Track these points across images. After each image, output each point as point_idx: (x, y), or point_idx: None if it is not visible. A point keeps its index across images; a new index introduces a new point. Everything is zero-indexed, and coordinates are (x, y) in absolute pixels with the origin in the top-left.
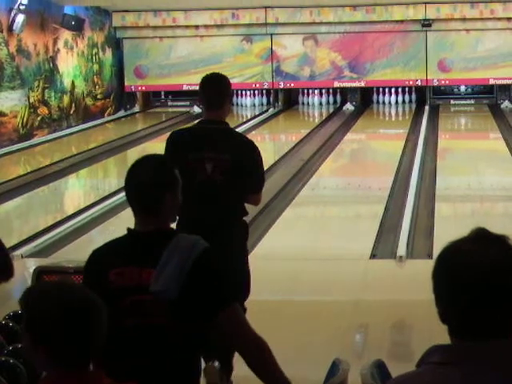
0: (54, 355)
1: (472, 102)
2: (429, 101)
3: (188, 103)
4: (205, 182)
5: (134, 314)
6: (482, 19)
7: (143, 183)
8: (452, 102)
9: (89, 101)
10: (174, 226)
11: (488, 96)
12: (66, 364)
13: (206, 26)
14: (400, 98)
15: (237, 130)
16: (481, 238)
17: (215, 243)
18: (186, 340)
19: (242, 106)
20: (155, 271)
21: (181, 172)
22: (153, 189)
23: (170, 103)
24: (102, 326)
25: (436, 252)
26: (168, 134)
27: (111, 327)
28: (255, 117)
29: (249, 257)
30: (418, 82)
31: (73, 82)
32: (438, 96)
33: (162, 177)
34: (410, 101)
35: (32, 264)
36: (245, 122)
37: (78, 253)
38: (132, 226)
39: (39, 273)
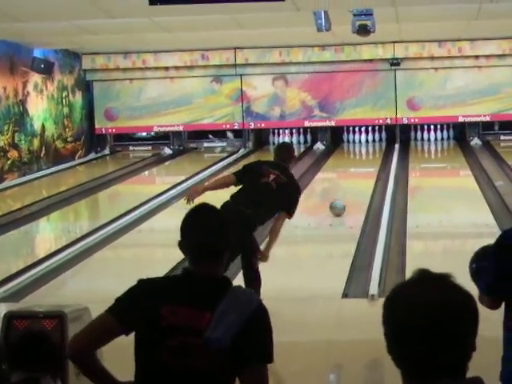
0: None
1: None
2: (398, 139)
3: (149, 148)
4: (265, 184)
5: (180, 354)
6: (449, 57)
7: (212, 234)
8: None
9: (59, 144)
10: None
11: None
12: None
13: (176, 68)
14: (370, 137)
15: (207, 170)
16: (423, 279)
17: (244, 223)
18: None
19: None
20: (211, 317)
21: (255, 173)
22: (220, 240)
23: (131, 148)
24: None
25: None
26: (139, 175)
27: (154, 363)
28: (226, 157)
29: None
30: (388, 121)
31: (43, 125)
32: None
33: (226, 232)
34: (380, 139)
35: (2, 309)
36: (216, 163)
37: (49, 296)
38: (104, 271)
39: (9, 318)
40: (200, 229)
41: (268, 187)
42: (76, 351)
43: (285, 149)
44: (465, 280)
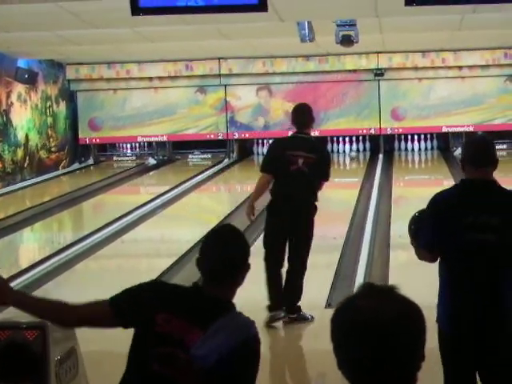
0: None
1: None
2: (383, 149)
3: (134, 157)
4: (296, 170)
5: (166, 364)
6: (433, 68)
7: (233, 258)
8: None
9: (43, 154)
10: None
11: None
12: None
13: (160, 78)
14: (354, 147)
15: (191, 180)
16: (370, 292)
17: (296, 209)
18: None
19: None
20: (202, 334)
21: (281, 162)
22: (237, 267)
23: (115, 158)
24: None
25: None
26: (123, 185)
27: (141, 366)
28: (210, 167)
29: None
30: (372, 131)
31: (27, 135)
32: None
33: (245, 254)
34: (364, 149)
35: None
36: (200, 173)
37: None
38: (87, 281)
39: None
40: (220, 252)
41: (300, 173)
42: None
43: (302, 113)
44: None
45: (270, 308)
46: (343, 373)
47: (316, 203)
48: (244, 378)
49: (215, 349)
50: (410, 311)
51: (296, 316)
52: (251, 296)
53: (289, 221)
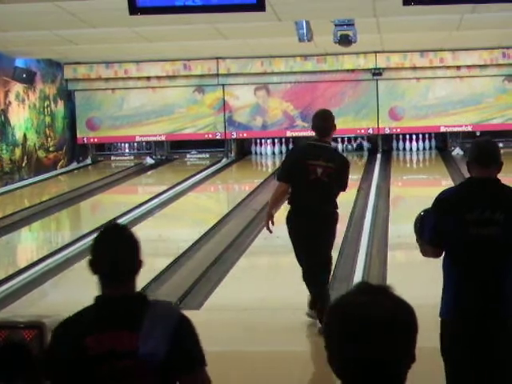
0: None
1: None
2: (381, 149)
3: (132, 157)
4: (315, 180)
5: (112, 379)
6: (431, 68)
7: (121, 257)
8: None
9: (41, 153)
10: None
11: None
12: None
13: (158, 77)
14: (352, 146)
15: (189, 180)
16: (365, 290)
17: (316, 221)
18: None
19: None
20: (138, 335)
21: (299, 171)
22: (130, 262)
23: (113, 158)
24: None
25: None
26: (121, 185)
27: None
28: (208, 167)
29: (202, 308)
30: (370, 131)
31: (25, 135)
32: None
33: (137, 251)
34: (362, 148)
35: None
36: (198, 173)
37: (30, 306)
38: (85, 281)
39: None
40: (111, 249)
41: (319, 183)
42: None
43: (323, 120)
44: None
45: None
46: (333, 369)
47: (337, 211)
48: (194, 355)
49: (160, 340)
50: (403, 311)
51: None
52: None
53: (310, 233)
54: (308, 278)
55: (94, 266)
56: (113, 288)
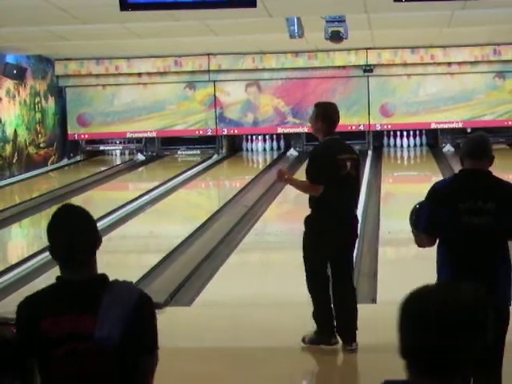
0: None
1: None
2: (372, 145)
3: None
4: (345, 175)
5: (69, 362)
6: (422, 64)
7: (77, 239)
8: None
9: (32, 149)
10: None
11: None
12: None
13: (149, 74)
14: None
15: (180, 176)
16: (443, 286)
17: (346, 218)
18: None
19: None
20: (96, 318)
21: (331, 168)
22: (88, 244)
23: (104, 152)
24: None
25: (380, 296)
26: (112, 181)
27: (44, 376)
28: (199, 163)
29: (193, 304)
30: (361, 127)
31: (15, 131)
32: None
33: (93, 230)
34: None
35: None
36: (189, 169)
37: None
38: None
39: None
40: (65, 232)
41: (350, 177)
42: None
43: (336, 112)
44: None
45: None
46: (406, 360)
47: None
48: (151, 338)
49: (114, 326)
50: (478, 309)
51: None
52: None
53: (339, 237)
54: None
55: (53, 252)
56: (72, 270)
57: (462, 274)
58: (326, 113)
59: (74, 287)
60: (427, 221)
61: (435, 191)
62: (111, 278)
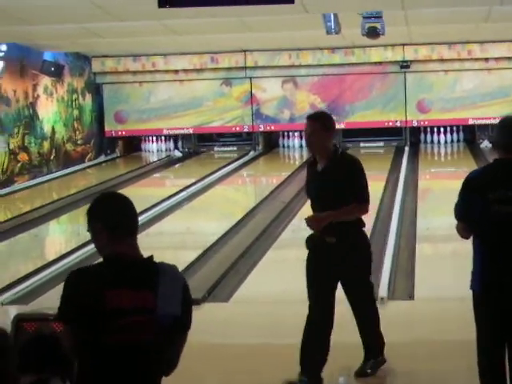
0: None
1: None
2: (408, 142)
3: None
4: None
5: (127, 332)
6: (459, 60)
7: (133, 213)
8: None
9: (69, 146)
10: None
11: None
12: None
13: (186, 71)
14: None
15: (217, 173)
16: None
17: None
18: (162, 356)
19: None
20: (155, 295)
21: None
22: (136, 215)
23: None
24: None
25: (417, 292)
26: (149, 178)
27: (95, 347)
28: (235, 160)
29: (230, 300)
30: (398, 123)
31: (53, 128)
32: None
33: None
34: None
35: (12, 311)
36: (226, 165)
37: (58, 299)
38: None
39: (18, 320)
40: (120, 210)
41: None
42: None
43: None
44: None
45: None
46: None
47: None
48: (190, 316)
49: (173, 303)
50: None
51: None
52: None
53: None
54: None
55: (101, 229)
56: (126, 244)
57: (493, 263)
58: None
59: (130, 263)
60: (461, 209)
61: (468, 180)
62: None
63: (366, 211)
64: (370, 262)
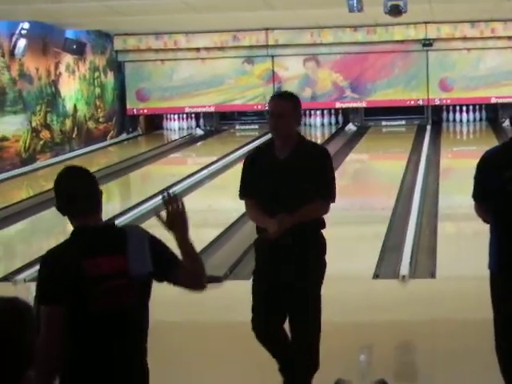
0: None
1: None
2: (431, 120)
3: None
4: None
5: (107, 297)
6: (482, 38)
7: (92, 189)
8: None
9: (91, 124)
10: None
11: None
12: None
13: (208, 49)
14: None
15: (238, 151)
16: None
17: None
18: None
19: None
20: (126, 257)
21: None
22: (98, 193)
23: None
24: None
25: (439, 271)
26: (170, 156)
27: (79, 315)
28: (257, 138)
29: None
30: (420, 102)
31: (75, 106)
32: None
33: (96, 182)
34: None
35: (34, 288)
36: (247, 144)
37: None
38: None
39: None
40: (82, 184)
41: None
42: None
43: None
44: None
45: None
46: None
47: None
48: (169, 251)
49: (144, 261)
50: None
51: None
52: None
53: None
54: None
55: (66, 203)
56: (88, 218)
57: (509, 242)
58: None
59: (100, 231)
60: (477, 188)
61: (483, 159)
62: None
63: (326, 211)
64: (323, 270)
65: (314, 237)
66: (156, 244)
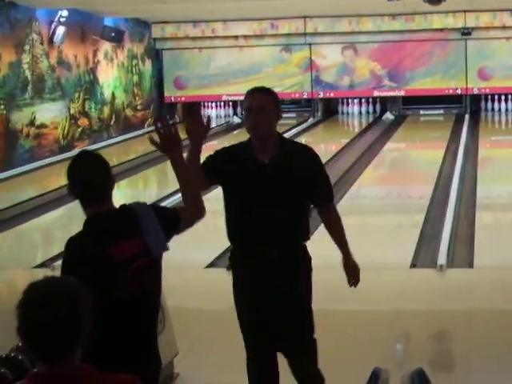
0: (34, 352)
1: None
2: (469, 109)
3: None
4: None
5: (133, 280)
6: None
7: (106, 176)
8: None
9: (129, 112)
10: None
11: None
12: (47, 359)
13: (245, 37)
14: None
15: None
16: None
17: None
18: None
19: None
20: (143, 239)
21: None
22: (111, 179)
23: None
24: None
25: (477, 261)
26: (208, 143)
27: (108, 300)
28: (294, 127)
29: None
30: (458, 91)
31: (113, 93)
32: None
33: (110, 170)
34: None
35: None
36: (285, 132)
37: None
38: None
39: None
40: (97, 172)
41: None
42: None
43: None
44: None
45: None
46: None
47: None
48: (169, 210)
49: (161, 237)
50: None
51: None
52: None
53: None
54: None
55: (81, 190)
56: (102, 205)
57: None
58: None
59: (113, 217)
60: None
61: None
62: (205, 238)
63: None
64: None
65: (300, 249)
66: (158, 211)
